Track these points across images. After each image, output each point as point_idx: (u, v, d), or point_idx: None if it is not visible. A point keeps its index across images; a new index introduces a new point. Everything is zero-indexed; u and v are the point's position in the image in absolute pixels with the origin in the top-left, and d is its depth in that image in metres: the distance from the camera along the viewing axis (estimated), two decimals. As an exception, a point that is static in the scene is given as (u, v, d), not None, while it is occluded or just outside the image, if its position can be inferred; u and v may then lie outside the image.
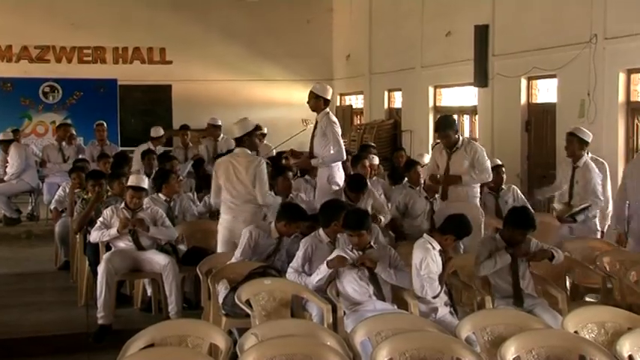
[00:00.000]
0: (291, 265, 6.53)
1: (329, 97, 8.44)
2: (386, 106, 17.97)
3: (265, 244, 6.88)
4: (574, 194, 8.24)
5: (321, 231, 6.63)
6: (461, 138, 8.17)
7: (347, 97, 21.20)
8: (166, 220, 7.92)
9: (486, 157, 8.14)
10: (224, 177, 7.48)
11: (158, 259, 7.61)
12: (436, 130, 8.48)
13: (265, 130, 12.87)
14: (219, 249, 7.48)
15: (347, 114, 20.05)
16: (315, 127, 8.46)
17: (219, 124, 12.92)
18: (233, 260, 6.83)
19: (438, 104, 15.72)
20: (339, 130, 8.34)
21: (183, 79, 19.53)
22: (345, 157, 8.49)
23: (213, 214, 8.61)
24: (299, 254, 6.52)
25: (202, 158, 12.13)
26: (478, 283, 6.42)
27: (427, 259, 6.04)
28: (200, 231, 8.36)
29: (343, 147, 8.39)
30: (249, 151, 7.40)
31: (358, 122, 19.49)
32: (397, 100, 17.88)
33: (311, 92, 8.49)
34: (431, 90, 15.73)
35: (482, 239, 6.82)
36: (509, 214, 6.66)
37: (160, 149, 12.28)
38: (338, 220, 6.45)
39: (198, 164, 11.82)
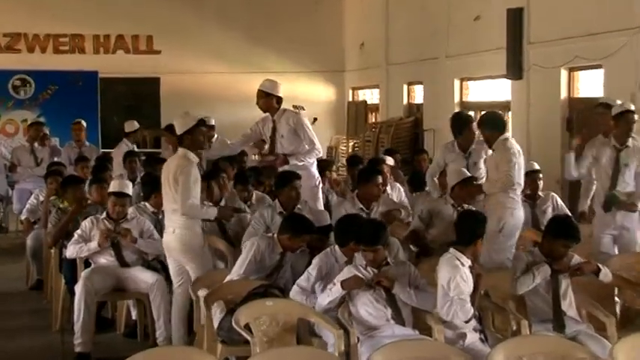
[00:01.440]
0: (298, 282, 6.51)
1: (281, 94, 8.77)
2: (405, 101, 17.97)
3: (271, 260, 6.86)
4: (620, 181, 8.15)
5: (337, 248, 6.62)
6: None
7: (360, 92, 21.22)
8: (154, 232, 7.92)
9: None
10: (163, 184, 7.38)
11: (144, 277, 7.60)
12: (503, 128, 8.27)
13: (213, 122, 12.87)
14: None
15: (360, 111, 20.06)
16: (275, 129, 8.79)
17: (213, 123, 12.92)
18: (231, 278, 6.80)
19: (464, 99, 15.71)
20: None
21: (173, 72, 19.59)
22: (321, 152, 8.99)
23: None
24: (310, 272, 6.49)
25: None
26: (512, 305, 6.38)
27: (456, 279, 5.99)
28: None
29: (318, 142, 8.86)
30: (191, 152, 7.27)
31: (373, 120, 19.49)
32: (418, 94, 17.88)
33: (259, 91, 8.82)
34: (457, 83, 15.72)
35: (517, 254, 6.78)
36: (550, 223, 6.66)
37: (145, 149, 12.30)
38: (357, 240, 6.41)
39: None
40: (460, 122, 8.88)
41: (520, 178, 7.91)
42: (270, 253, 6.87)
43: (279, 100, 8.79)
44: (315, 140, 8.82)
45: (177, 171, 7.07)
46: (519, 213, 7.95)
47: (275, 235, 6.96)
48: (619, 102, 8.34)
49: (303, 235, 6.85)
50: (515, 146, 7.91)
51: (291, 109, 8.96)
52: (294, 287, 6.50)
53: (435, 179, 8.82)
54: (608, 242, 8.11)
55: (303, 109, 11.68)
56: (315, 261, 6.56)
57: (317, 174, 9.01)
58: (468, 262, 6.10)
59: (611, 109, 8.18)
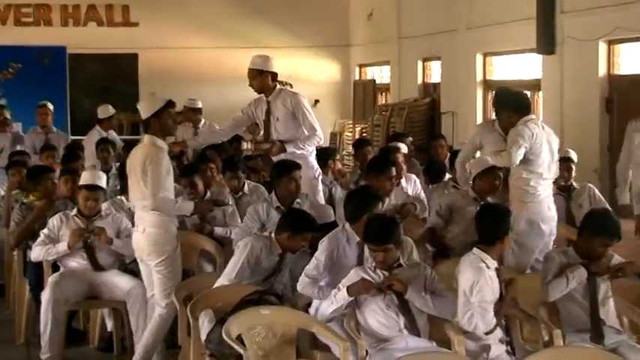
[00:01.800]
0: (305, 272, 6.52)
1: (275, 70, 8.87)
2: (420, 80, 17.98)
3: (268, 261, 6.89)
4: None
5: (347, 226, 6.67)
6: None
7: (368, 69, 21.23)
8: (133, 230, 7.92)
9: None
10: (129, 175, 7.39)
11: (121, 283, 7.62)
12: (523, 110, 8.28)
13: (199, 105, 12.87)
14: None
15: (368, 91, 20.07)
16: (269, 112, 8.83)
17: (200, 106, 12.96)
18: (221, 283, 6.83)
19: (488, 77, 15.72)
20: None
21: (153, 47, 19.61)
22: (322, 138, 9.02)
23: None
24: (319, 258, 6.52)
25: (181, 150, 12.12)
26: (543, 313, 6.40)
27: (480, 283, 6.01)
28: (176, 245, 8.36)
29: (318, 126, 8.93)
30: (159, 139, 7.20)
31: (383, 102, 19.51)
32: (435, 72, 17.89)
33: (251, 70, 8.85)
34: (479, 59, 15.72)
35: (548, 254, 6.80)
36: (587, 218, 6.66)
37: (115, 135, 12.35)
38: (370, 212, 6.52)
39: (176, 158, 11.84)
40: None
41: (538, 166, 7.88)
42: (267, 254, 6.88)
43: (275, 76, 8.85)
44: (315, 125, 8.85)
45: (146, 161, 7.03)
46: (536, 207, 7.95)
47: (272, 235, 6.98)
48: None
49: (305, 233, 6.86)
50: (535, 130, 7.86)
51: (289, 88, 8.97)
52: (302, 279, 6.50)
53: (467, 166, 8.66)
54: None
55: (291, 86, 11.71)
56: (323, 244, 6.58)
57: (316, 164, 9.06)
58: (493, 263, 6.12)
59: None
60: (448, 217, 8.36)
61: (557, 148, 8.17)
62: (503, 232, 6.20)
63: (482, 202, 8.16)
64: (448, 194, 8.75)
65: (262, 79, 8.80)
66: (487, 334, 6.05)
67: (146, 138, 7.19)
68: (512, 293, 6.22)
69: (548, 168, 7.98)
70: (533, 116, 8.11)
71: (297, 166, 8.03)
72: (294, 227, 6.86)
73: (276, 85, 8.90)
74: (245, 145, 12.12)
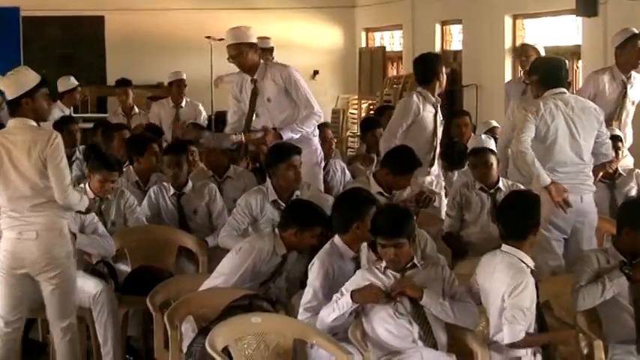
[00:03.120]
0: (304, 305, 6.48)
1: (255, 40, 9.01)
2: (438, 47, 17.99)
3: (269, 264, 6.95)
4: None
5: (337, 240, 6.67)
6: None
7: (377, 35, 21.25)
8: (100, 225, 7.99)
9: None
10: None
11: (86, 287, 7.63)
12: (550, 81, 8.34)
13: (184, 76, 12.97)
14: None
15: (377, 60, 20.09)
16: (256, 93, 8.95)
17: (184, 77, 13.06)
18: (213, 283, 6.89)
19: (519, 43, 15.72)
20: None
21: (122, 9, 19.62)
22: (321, 115, 9.14)
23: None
24: (314, 284, 6.48)
25: (158, 127, 12.16)
26: (582, 320, 6.45)
27: (522, 287, 6.03)
28: (151, 242, 8.43)
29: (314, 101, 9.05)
30: (33, 122, 7.04)
31: (395, 73, 19.53)
32: (455, 38, 17.91)
33: (232, 45, 8.90)
34: (508, 22, 15.74)
35: (585, 254, 6.84)
36: (624, 209, 6.78)
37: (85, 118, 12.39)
38: (362, 220, 6.52)
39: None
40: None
41: (551, 151, 7.86)
42: (271, 256, 6.93)
43: (261, 49, 8.98)
44: (312, 101, 8.92)
45: (41, 147, 6.87)
46: (544, 200, 7.95)
47: (277, 231, 7.02)
48: None
49: (315, 227, 6.91)
50: (550, 108, 7.85)
51: (273, 60, 9.01)
52: (302, 314, 6.46)
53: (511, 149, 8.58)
54: None
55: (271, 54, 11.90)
56: (314, 268, 6.53)
57: (319, 147, 9.17)
58: (532, 263, 6.16)
59: None
60: (460, 214, 8.46)
61: (594, 129, 8.02)
62: (534, 222, 6.22)
63: (490, 191, 8.33)
64: (455, 188, 8.85)
65: (248, 53, 8.85)
66: (513, 346, 6.09)
67: (16, 123, 7.00)
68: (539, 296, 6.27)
69: (569, 151, 7.83)
70: (561, 89, 7.95)
71: (297, 150, 8.07)
72: (303, 221, 6.92)
73: (259, 60, 8.97)
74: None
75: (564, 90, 7.90)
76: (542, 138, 7.72)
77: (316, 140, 9.14)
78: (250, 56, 8.85)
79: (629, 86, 9.17)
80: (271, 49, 12.78)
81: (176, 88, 13.08)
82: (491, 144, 8.65)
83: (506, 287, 6.04)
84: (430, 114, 9.22)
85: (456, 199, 8.57)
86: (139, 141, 9.46)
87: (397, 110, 9.44)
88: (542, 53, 10.79)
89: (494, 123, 11.08)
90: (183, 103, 12.90)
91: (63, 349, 7.17)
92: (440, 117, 9.33)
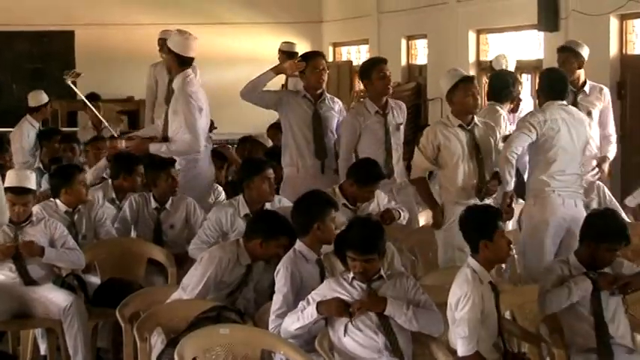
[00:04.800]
0: (274, 312, 6.46)
1: (188, 55, 9.11)
2: (404, 62, 18.06)
3: (233, 274, 6.93)
4: None
5: (299, 245, 6.67)
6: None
7: (344, 49, 21.29)
8: (69, 238, 7.95)
9: None
10: None
11: (56, 299, 7.62)
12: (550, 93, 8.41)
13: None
14: None
15: (344, 74, 20.10)
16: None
17: None
18: (178, 296, 6.87)
19: (482, 58, 15.80)
20: (200, 104, 9.01)
21: (92, 24, 19.59)
22: (200, 149, 9.08)
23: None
24: (282, 290, 6.47)
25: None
26: (545, 330, 6.48)
27: (465, 298, 6.04)
28: (120, 254, 8.40)
29: (200, 133, 9.04)
30: None
31: (361, 87, 19.52)
32: (421, 52, 17.95)
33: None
34: (472, 37, 15.81)
35: (548, 264, 6.87)
36: (588, 222, 6.74)
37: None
38: (322, 221, 6.58)
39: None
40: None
41: (550, 158, 7.97)
42: (234, 266, 6.91)
43: (185, 61, 9.21)
44: (194, 128, 8.99)
45: None
46: (547, 205, 8.03)
47: (241, 242, 7.00)
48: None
49: (280, 237, 6.90)
50: (552, 116, 7.97)
51: (191, 76, 9.19)
52: (273, 321, 6.43)
53: None
54: None
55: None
56: (280, 274, 6.53)
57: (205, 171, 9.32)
58: (486, 276, 6.16)
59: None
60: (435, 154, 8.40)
61: (586, 140, 8.29)
62: (481, 235, 6.20)
63: None
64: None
65: (169, 57, 9.28)
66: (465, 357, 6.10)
67: None
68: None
69: (570, 159, 8.05)
70: (564, 101, 8.17)
71: (271, 164, 8.12)
72: (268, 231, 6.90)
73: (185, 69, 9.17)
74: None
75: (565, 102, 8.04)
76: (546, 147, 7.96)
77: (200, 161, 9.20)
78: (170, 60, 9.32)
79: (580, 96, 9.20)
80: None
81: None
82: None
83: (453, 297, 6.10)
84: (377, 124, 9.22)
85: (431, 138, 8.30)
86: (130, 160, 9.32)
87: (343, 129, 9.48)
88: (512, 67, 10.94)
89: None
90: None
91: None
92: (392, 125, 9.25)
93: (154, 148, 9.04)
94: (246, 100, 9.16)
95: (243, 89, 9.08)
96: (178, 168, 8.98)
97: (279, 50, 13.77)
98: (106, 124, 13.34)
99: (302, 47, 21.24)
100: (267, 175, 7.99)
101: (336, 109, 9.46)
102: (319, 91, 9.34)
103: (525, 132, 7.93)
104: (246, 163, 8.32)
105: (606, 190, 9.32)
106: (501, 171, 7.96)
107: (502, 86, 9.52)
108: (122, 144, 9.63)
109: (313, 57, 9.45)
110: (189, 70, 9.17)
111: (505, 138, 8.43)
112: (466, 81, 8.09)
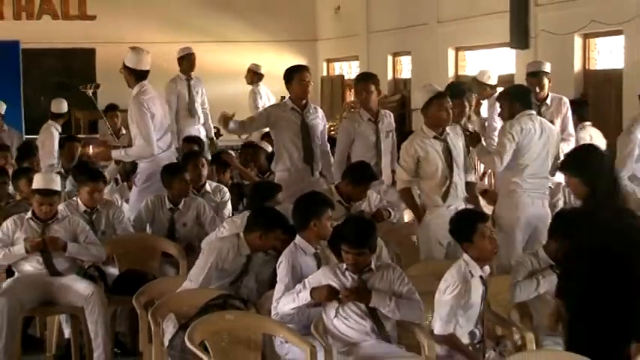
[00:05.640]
0: (276, 299, 6.45)
1: (142, 68, 9.24)
2: (390, 76, 18.07)
3: (234, 264, 6.92)
4: None
5: (298, 239, 6.68)
6: None
7: (336, 65, 21.29)
8: (90, 234, 7.94)
9: None
10: None
11: (79, 288, 7.62)
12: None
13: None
14: None
15: (336, 87, 20.14)
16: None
17: (193, 51, 13.31)
18: (187, 286, 6.89)
19: (460, 73, 15.83)
20: (153, 111, 9.08)
21: (111, 42, 19.48)
22: (154, 153, 9.02)
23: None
24: (283, 279, 6.47)
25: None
26: (516, 316, 6.49)
27: (452, 287, 6.06)
28: (137, 248, 8.40)
29: (153, 138, 9.01)
30: None
31: (352, 99, 19.53)
32: (405, 67, 17.96)
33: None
34: (451, 54, 15.82)
35: (519, 257, 6.88)
36: (555, 220, 6.79)
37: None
38: (318, 218, 6.58)
39: None
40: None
41: (524, 162, 7.99)
42: (234, 256, 6.90)
43: (140, 74, 9.35)
44: (147, 135, 8.99)
45: None
46: (509, 207, 8.05)
47: (241, 234, 7.01)
48: None
49: (277, 230, 6.91)
50: (528, 125, 8.00)
51: (144, 87, 9.27)
52: (274, 306, 6.41)
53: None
54: None
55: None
56: (281, 265, 6.54)
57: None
58: (477, 271, 6.18)
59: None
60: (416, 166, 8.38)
61: (555, 146, 8.28)
62: (460, 238, 6.28)
63: None
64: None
65: (125, 73, 9.29)
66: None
67: None
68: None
69: (540, 164, 8.08)
70: (530, 112, 8.18)
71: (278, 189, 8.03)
72: (266, 225, 6.90)
73: (140, 81, 9.27)
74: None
75: (534, 112, 8.05)
76: (520, 154, 7.97)
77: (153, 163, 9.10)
78: (126, 75, 9.32)
79: (543, 108, 9.21)
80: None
81: (187, 62, 13.35)
82: None
83: (444, 283, 6.12)
84: (369, 129, 9.28)
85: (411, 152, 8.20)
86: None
87: (339, 134, 9.54)
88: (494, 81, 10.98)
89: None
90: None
91: None
92: (382, 132, 9.31)
93: (115, 154, 9.29)
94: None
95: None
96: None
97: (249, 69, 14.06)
98: (124, 131, 13.40)
99: (298, 62, 21.27)
100: (278, 201, 7.82)
101: (320, 116, 9.54)
102: (304, 102, 9.38)
103: (510, 142, 7.93)
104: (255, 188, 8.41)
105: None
106: (489, 165, 8.08)
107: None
108: (90, 150, 9.75)
109: (299, 70, 9.48)
110: (145, 82, 9.24)
111: None
112: (440, 97, 8.09)
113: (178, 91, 12.90)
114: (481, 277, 6.17)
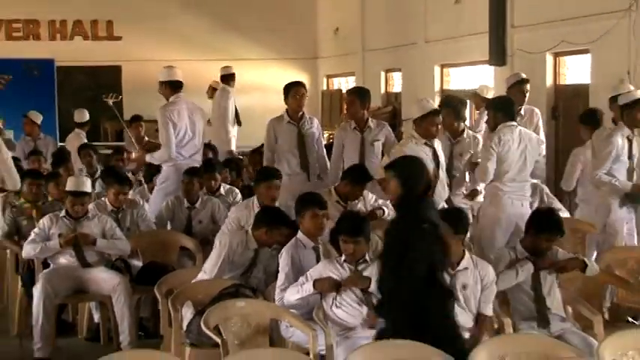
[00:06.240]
0: (278, 287, 6.51)
1: (175, 79, 9.28)
2: (383, 90, 18.03)
3: (243, 257, 6.93)
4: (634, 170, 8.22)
5: (300, 235, 6.71)
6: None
7: (335, 80, 21.26)
8: (117, 230, 7.96)
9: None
10: None
11: (107, 278, 7.63)
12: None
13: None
14: None
15: (335, 100, 20.11)
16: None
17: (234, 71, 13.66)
18: (202, 277, 6.88)
19: (445, 87, 15.80)
20: (175, 120, 9.09)
21: (135, 59, 19.52)
22: (171, 157, 9.06)
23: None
24: (285, 269, 6.52)
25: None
26: (495, 303, 6.47)
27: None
28: (158, 243, 8.40)
29: (172, 144, 9.04)
30: None
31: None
32: (396, 82, 17.94)
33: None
34: (437, 70, 15.79)
35: (498, 250, 6.89)
36: (532, 217, 6.78)
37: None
38: (302, 215, 6.68)
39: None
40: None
41: (503, 168, 7.97)
42: (243, 250, 6.91)
43: (174, 86, 9.33)
44: (167, 141, 9.08)
45: None
46: (491, 208, 8.04)
47: (249, 231, 7.01)
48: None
49: (281, 227, 6.92)
50: (507, 136, 7.96)
51: (174, 99, 9.26)
52: (279, 294, 6.47)
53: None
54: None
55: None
56: (283, 257, 6.59)
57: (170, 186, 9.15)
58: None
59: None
60: None
61: (535, 152, 8.28)
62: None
63: None
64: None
65: (160, 88, 9.27)
66: None
67: None
68: None
69: (518, 170, 8.03)
70: (512, 122, 8.09)
71: (278, 175, 8.08)
72: (271, 222, 6.92)
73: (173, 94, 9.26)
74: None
75: (515, 123, 8.01)
76: (501, 161, 7.93)
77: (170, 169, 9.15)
78: (162, 91, 9.30)
79: (518, 118, 9.16)
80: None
81: (233, 78, 13.67)
82: None
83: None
84: (355, 137, 9.29)
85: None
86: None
87: (334, 141, 9.61)
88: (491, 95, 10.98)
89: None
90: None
91: None
92: (367, 140, 9.28)
93: (148, 158, 9.40)
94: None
95: None
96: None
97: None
98: (147, 138, 13.40)
99: (302, 78, 21.22)
100: (273, 185, 7.89)
101: (315, 125, 9.56)
102: (300, 114, 9.41)
103: (491, 156, 7.92)
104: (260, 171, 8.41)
105: (547, 190, 9.30)
106: (478, 179, 8.17)
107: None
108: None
109: (294, 86, 9.52)
110: (180, 94, 9.25)
111: None
112: (434, 114, 8.14)
113: (220, 102, 13.09)
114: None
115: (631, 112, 8.16)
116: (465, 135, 8.91)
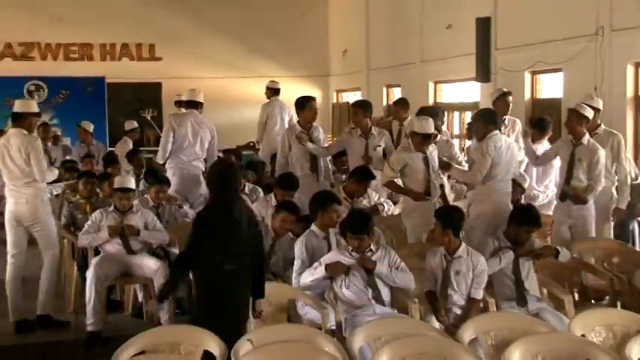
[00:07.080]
0: (295, 271, 6.49)
1: (195, 99, 9.71)
2: (384, 102, 18.00)
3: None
4: (574, 175, 8.12)
5: (314, 226, 6.71)
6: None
7: (344, 94, 21.24)
8: (157, 222, 7.94)
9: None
10: (0, 161, 7.49)
11: (149, 264, 7.62)
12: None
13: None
14: (7, 230, 7.55)
15: (344, 111, 20.07)
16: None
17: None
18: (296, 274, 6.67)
19: (438, 100, 15.75)
20: (176, 128, 9.47)
21: (173, 77, 19.52)
22: (163, 158, 9.53)
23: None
24: (300, 256, 6.52)
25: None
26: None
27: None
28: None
29: (164, 146, 9.48)
30: (25, 132, 7.38)
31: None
32: (396, 96, 17.89)
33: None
34: (431, 86, 15.76)
35: (484, 239, 6.86)
36: (514, 211, 6.81)
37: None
38: (324, 210, 6.64)
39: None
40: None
41: (494, 171, 7.84)
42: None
43: (188, 104, 9.76)
44: (161, 147, 9.60)
45: (23, 146, 7.30)
46: (481, 204, 7.95)
47: (268, 222, 7.00)
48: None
49: (281, 211, 7.06)
50: (498, 144, 7.83)
51: (179, 112, 9.45)
52: (295, 278, 6.44)
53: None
54: (565, 231, 8.11)
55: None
56: (298, 245, 6.59)
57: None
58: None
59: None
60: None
61: (517, 157, 8.16)
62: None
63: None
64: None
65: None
66: None
67: (15, 131, 7.40)
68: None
69: (506, 172, 7.85)
70: (497, 132, 7.92)
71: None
72: (289, 210, 7.11)
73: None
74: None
75: (498, 132, 7.92)
76: (492, 165, 7.74)
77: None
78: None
79: (502, 127, 9.04)
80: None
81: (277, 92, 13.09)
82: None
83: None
84: (360, 143, 9.22)
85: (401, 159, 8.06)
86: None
87: (336, 139, 9.81)
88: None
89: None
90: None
91: (46, 271, 7.60)
92: (371, 146, 9.19)
93: (154, 159, 9.78)
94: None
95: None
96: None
97: (266, 87, 13.28)
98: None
99: (315, 93, 21.28)
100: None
101: (321, 132, 9.69)
102: (310, 124, 9.50)
103: (487, 159, 7.73)
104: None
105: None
106: (472, 179, 7.99)
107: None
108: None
109: (310, 100, 9.57)
110: (194, 111, 9.65)
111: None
112: (427, 138, 7.94)
113: (268, 114, 12.78)
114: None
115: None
116: (438, 138, 8.70)
